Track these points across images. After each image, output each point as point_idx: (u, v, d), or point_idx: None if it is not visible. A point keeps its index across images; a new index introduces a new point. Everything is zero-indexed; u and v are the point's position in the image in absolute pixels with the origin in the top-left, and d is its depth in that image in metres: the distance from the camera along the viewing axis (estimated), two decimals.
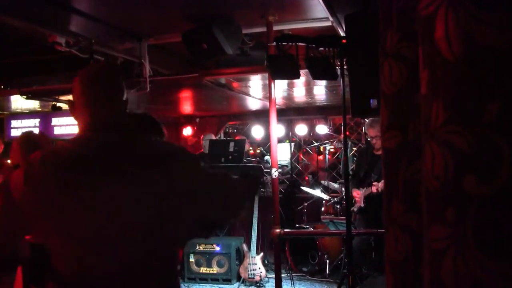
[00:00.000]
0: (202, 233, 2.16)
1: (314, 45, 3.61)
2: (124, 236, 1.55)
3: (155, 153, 1.65)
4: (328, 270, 6.16)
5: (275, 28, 4.06)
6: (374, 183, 4.90)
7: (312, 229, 6.35)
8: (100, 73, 1.70)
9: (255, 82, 5.57)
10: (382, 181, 4.69)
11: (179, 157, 1.69)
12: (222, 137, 8.60)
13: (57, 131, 6.81)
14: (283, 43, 3.64)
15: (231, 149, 6.24)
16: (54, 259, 1.59)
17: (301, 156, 8.97)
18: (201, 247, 6.21)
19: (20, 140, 1.97)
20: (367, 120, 5.48)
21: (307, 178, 8.76)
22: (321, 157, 8.48)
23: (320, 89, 6.22)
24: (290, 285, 5.03)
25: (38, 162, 1.58)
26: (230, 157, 6.19)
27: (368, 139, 5.31)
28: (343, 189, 5.53)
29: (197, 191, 1.66)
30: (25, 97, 5.58)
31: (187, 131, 8.35)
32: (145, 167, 1.58)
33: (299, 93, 6.59)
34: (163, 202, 1.58)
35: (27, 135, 2.04)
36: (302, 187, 7.42)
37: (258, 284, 6.00)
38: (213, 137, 7.42)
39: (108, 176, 1.55)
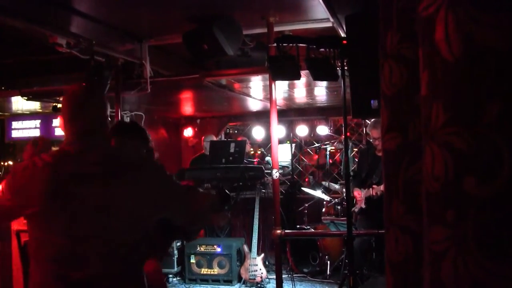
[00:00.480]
0: (180, 235, 2.43)
1: (314, 46, 3.61)
2: (106, 231, 1.79)
3: (125, 162, 1.93)
4: (329, 271, 6.16)
5: (276, 29, 4.06)
6: (374, 186, 4.90)
7: (313, 230, 6.35)
8: (76, 95, 1.98)
9: (256, 83, 5.57)
10: (382, 185, 4.69)
11: (148, 167, 1.98)
12: (223, 138, 8.60)
13: (58, 132, 6.83)
14: (284, 44, 3.64)
15: (232, 150, 6.24)
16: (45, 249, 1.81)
17: (302, 157, 8.97)
18: (202, 248, 6.21)
19: (33, 142, 2.26)
20: (368, 121, 5.48)
21: (307, 179, 8.76)
22: (316, 157, 8.57)
23: (321, 90, 6.22)
24: (291, 286, 5.02)
25: (23, 167, 1.85)
26: (231, 158, 6.20)
27: (370, 140, 5.30)
28: (344, 189, 5.53)
29: (164, 198, 1.95)
30: (25, 98, 5.59)
31: (188, 132, 8.36)
32: (115, 173, 1.84)
33: (300, 94, 6.59)
34: (130, 206, 1.83)
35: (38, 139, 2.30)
36: (303, 188, 7.42)
37: (259, 285, 6.00)
38: (214, 138, 7.43)
39: (82, 179, 1.79)
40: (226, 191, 2.40)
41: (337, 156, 8.71)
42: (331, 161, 8.42)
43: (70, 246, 1.75)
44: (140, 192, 1.85)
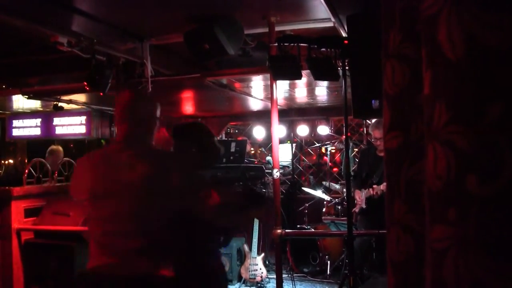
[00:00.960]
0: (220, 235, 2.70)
1: (316, 46, 3.60)
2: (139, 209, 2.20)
3: (159, 157, 2.36)
4: (329, 271, 6.16)
5: (277, 28, 4.06)
6: (374, 186, 4.89)
7: (313, 230, 6.35)
8: (123, 99, 2.36)
9: (257, 83, 5.57)
10: (382, 184, 4.69)
11: (179, 162, 2.41)
12: (224, 138, 8.60)
13: (58, 131, 6.86)
14: (285, 44, 3.64)
15: (233, 149, 6.24)
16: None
17: (302, 157, 8.98)
18: None
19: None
20: (369, 122, 5.47)
21: (308, 179, 8.77)
22: (314, 158, 8.72)
23: (322, 90, 6.22)
24: (291, 285, 5.02)
25: (82, 160, 2.42)
26: (231, 157, 6.20)
27: (372, 140, 5.29)
28: (344, 189, 5.53)
29: (186, 189, 2.28)
30: (26, 97, 5.59)
31: None
32: (151, 167, 2.23)
33: (301, 93, 6.59)
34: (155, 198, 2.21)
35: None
36: (303, 188, 7.42)
37: (259, 285, 6.00)
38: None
39: (124, 171, 2.20)
40: (255, 188, 2.50)
41: (337, 156, 8.73)
42: (326, 160, 8.47)
43: (113, 223, 2.16)
44: (168, 181, 2.20)
